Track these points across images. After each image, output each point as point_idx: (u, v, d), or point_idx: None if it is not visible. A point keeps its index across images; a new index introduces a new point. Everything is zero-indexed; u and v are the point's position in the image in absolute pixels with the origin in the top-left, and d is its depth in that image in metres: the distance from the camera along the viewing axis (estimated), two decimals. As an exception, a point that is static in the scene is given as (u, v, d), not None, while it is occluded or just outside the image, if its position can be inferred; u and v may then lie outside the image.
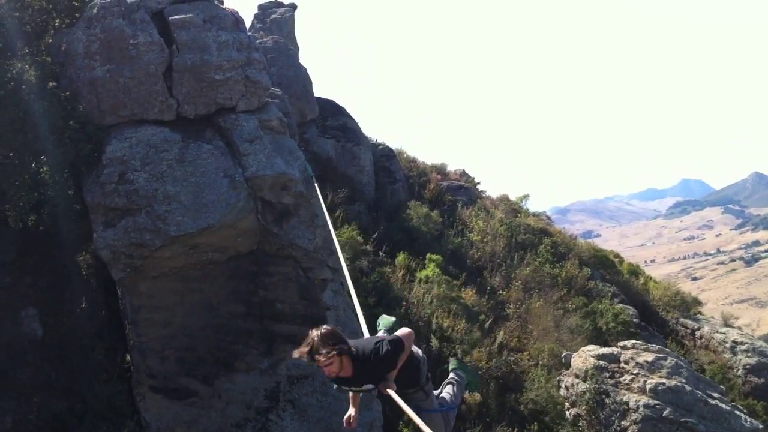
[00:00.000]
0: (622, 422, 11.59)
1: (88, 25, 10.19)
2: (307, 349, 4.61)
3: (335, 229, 11.73)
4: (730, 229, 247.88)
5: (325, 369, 4.72)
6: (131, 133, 9.95)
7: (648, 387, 11.75)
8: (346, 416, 5.35)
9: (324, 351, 4.57)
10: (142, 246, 9.34)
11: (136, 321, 9.67)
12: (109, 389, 9.56)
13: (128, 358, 9.97)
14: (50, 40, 10.82)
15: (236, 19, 11.42)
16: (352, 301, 10.49)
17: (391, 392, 4.73)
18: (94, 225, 9.57)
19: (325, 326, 4.76)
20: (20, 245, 9.88)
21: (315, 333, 4.65)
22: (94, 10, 10.21)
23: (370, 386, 4.94)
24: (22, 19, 10.50)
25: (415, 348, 5.51)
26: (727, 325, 19.74)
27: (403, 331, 5.15)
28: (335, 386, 5.10)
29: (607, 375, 12.37)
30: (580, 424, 12.17)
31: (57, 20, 10.91)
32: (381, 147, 22.30)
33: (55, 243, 10.12)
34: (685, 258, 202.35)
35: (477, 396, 12.24)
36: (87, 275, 10.55)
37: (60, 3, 10.85)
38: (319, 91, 22.38)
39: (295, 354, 4.71)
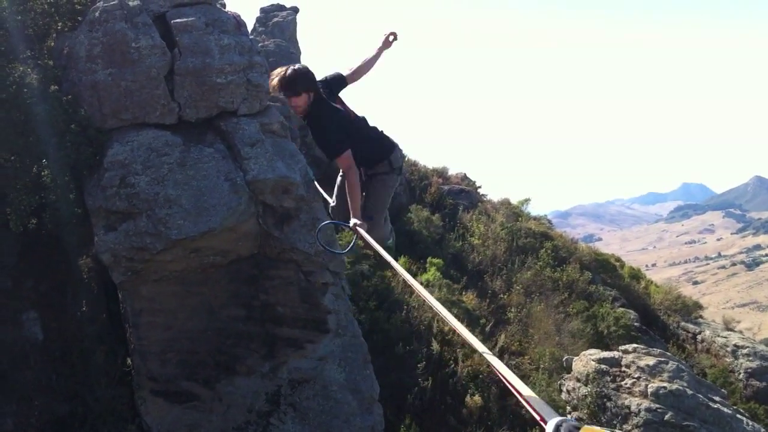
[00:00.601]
0: (624, 426, 11.57)
1: (91, 28, 10.20)
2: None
3: (336, 233, 11.75)
4: (732, 233, 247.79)
5: (290, 101, 5.28)
6: (133, 136, 9.95)
7: (649, 391, 11.73)
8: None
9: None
10: (143, 250, 9.34)
11: (137, 324, 9.67)
12: (110, 393, 9.55)
13: (129, 361, 9.97)
14: (52, 44, 10.82)
15: (238, 23, 11.44)
16: (353, 305, 10.53)
17: (358, 228, 5.13)
18: (95, 228, 9.57)
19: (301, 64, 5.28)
20: (21, 249, 9.88)
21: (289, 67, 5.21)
22: (97, 14, 10.22)
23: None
24: (24, 22, 10.51)
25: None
26: (728, 329, 19.75)
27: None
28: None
29: (609, 379, 12.35)
30: (582, 428, 12.13)
31: (59, 23, 10.92)
32: (382, 150, 22.29)
33: (56, 246, 10.11)
34: (686, 262, 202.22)
35: (478, 399, 12.23)
36: (88, 279, 10.56)
37: (62, 6, 10.86)
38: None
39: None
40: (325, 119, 5.36)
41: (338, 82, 5.84)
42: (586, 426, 1.78)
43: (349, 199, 5.39)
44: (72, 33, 10.57)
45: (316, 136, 5.42)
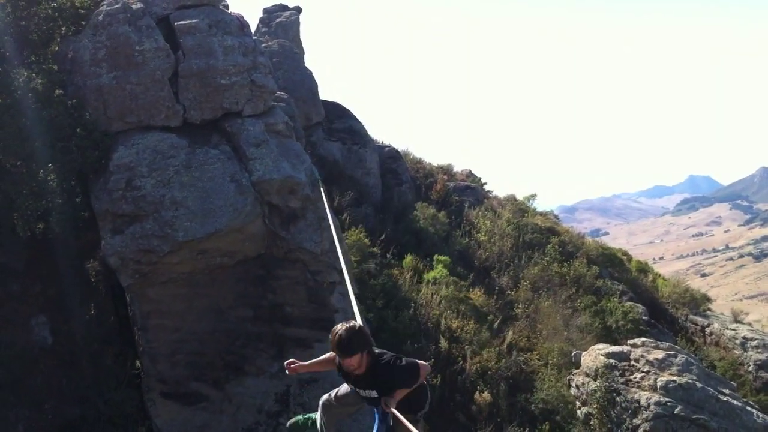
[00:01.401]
0: (634, 420, 11.54)
1: (94, 32, 10.24)
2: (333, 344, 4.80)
3: (342, 231, 11.74)
4: (739, 225, 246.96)
5: (345, 361, 4.84)
6: (138, 139, 9.99)
7: (659, 384, 11.70)
8: (291, 360, 5.58)
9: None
10: (150, 252, 9.37)
11: (145, 327, 9.69)
12: (119, 395, 9.58)
13: (138, 363, 9.99)
14: (57, 48, 10.86)
15: (241, 24, 11.45)
16: (359, 305, 10.51)
17: (394, 411, 4.69)
18: (102, 232, 9.60)
19: (353, 322, 4.89)
20: (29, 253, 9.92)
21: (342, 328, 4.80)
22: (100, 17, 10.26)
23: (374, 393, 4.97)
24: (28, 27, 10.56)
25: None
26: (737, 321, 19.65)
27: (422, 362, 5.17)
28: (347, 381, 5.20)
29: (618, 373, 12.32)
30: (592, 422, 12.12)
31: (63, 28, 10.96)
32: (387, 149, 22.31)
33: (63, 250, 10.14)
34: (693, 255, 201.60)
35: (487, 396, 12.23)
36: (96, 282, 10.59)
37: (66, 11, 10.89)
38: (325, 93, 22.44)
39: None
40: (393, 366, 4.98)
41: None
42: None
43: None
44: (76, 37, 10.61)
45: (385, 383, 4.93)
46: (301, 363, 5.57)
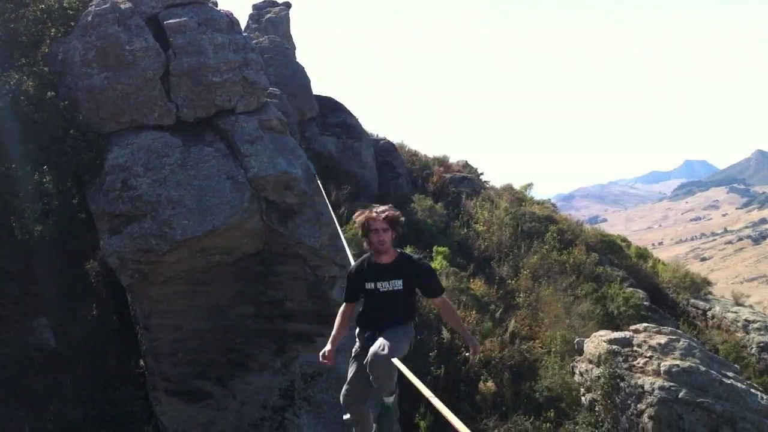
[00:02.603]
0: (638, 405, 11.54)
1: (84, 33, 10.17)
2: (370, 212, 5.20)
3: (340, 226, 11.67)
4: (736, 208, 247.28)
5: (376, 235, 5.18)
6: (132, 139, 9.94)
7: (662, 369, 11.69)
8: (322, 351, 5.48)
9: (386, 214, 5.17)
10: (149, 251, 9.33)
11: (147, 326, 9.67)
12: (124, 395, 9.58)
13: (141, 363, 9.98)
14: (46, 50, 10.80)
15: (231, 21, 11.38)
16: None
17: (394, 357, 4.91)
18: (100, 232, 9.57)
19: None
20: (27, 256, 9.89)
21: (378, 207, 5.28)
22: (89, 18, 10.19)
23: (399, 284, 5.26)
24: (17, 30, 10.49)
25: None
26: (738, 304, 19.65)
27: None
28: (366, 284, 5.38)
29: (621, 359, 12.31)
30: (597, 408, 12.12)
31: (52, 29, 10.89)
32: (382, 142, 22.26)
33: (62, 252, 10.12)
34: (692, 239, 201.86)
35: (491, 385, 12.22)
36: (96, 283, 10.57)
37: (54, 12, 10.82)
38: (318, 88, 22.35)
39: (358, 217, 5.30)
40: (421, 261, 5.60)
41: None
42: None
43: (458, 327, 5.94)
44: (66, 38, 10.55)
45: (411, 273, 5.36)
46: (328, 348, 5.50)
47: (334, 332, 5.63)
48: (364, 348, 5.38)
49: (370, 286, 5.35)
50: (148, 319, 9.71)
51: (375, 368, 5.03)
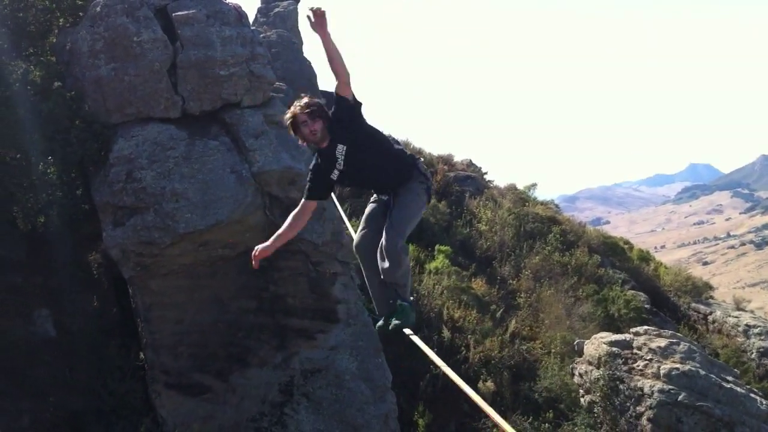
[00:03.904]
0: (638, 408, 11.55)
1: (92, 23, 10.17)
2: (293, 109, 5.10)
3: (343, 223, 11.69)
4: (740, 213, 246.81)
5: (306, 127, 5.10)
6: (137, 131, 9.94)
7: (662, 372, 11.70)
8: (257, 246, 5.51)
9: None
10: (152, 244, 9.35)
11: (148, 319, 9.69)
12: (123, 387, 9.59)
13: (142, 355, 10.00)
14: (54, 40, 10.81)
15: (239, 14, 11.38)
16: (362, 294, 10.51)
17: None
18: (103, 224, 9.58)
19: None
20: (30, 246, 9.90)
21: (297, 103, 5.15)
22: (98, 8, 10.19)
23: (343, 149, 5.22)
24: (25, 19, 10.50)
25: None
26: (739, 308, 19.68)
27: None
28: (330, 175, 5.33)
29: (621, 361, 12.33)
30: (596, 410, 12.14)
31: (61, 19, 10.90)
32: (387, 139, 22.22)
33: (64, 243, 10.13)
34: (695, 243, 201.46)
35: (491, 385, 12.23)
36: (97, 274, 10.58)
37: (63, 2, 10.82)
38: (324, 83, 22.33)
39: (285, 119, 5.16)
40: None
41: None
42: None
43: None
44: (74, 29, 10.55)
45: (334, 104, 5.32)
46: (266, 245, 5.52)
47: (279, 230, 5.55)
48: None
49: (334, 175, 5.33)
50: (149, 311, 9.72)
51: (388, 277, 5.18)
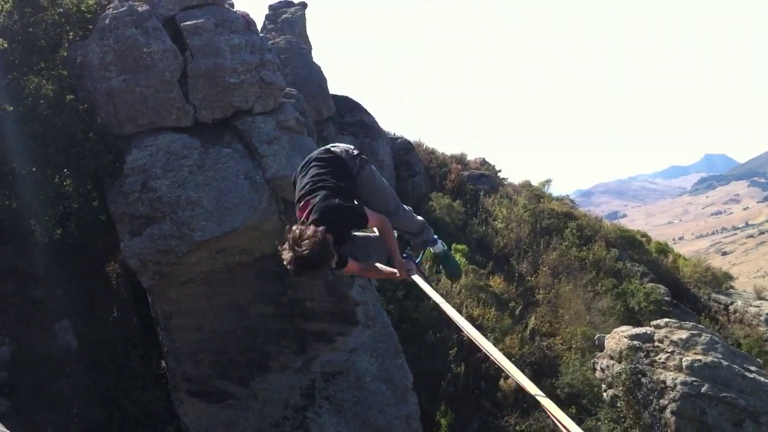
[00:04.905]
0: (661, 401, 11.46)
1: (102, 36, 10.24)
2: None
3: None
4: (758, 202, 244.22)
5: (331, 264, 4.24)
6: (151, 141, 10.00)
7: (684, 364, 11.60)
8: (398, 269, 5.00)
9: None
10: (169, 253, 9.40)
11: (168, 327, 9.74)
12: (146, 396, 9.64)
13: (163, 363, 10.05)
14: (65, 53, 10.89)
15: (247, 22, 11.42)
16: (380, 296, 10.52)
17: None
18: (120, 234, 9.64)
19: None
20: (48, 258, 9.97)
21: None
22: (107, 21, 10.26)
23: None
24: (36, 34, 10.59)
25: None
26: (760, 297, 19.46)
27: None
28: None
29: (642, 355, 12.24)
30: (618, 404, 12.05)
31: (71, 33, 10.98)
32: (399, 140, 22.23)
33: (82, 254, 10.21)
34: (713, 233, 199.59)
35: (512, 383, 12.17)
36: (116, 284, 10.65)
37: (72, 16, 10.90)
38: (334, 88, 22.36)
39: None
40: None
41: None
42: None
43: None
44: (84, 42, 10.63)
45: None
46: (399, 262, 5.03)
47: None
48: None
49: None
50: (168, 320, 9.77)
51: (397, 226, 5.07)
